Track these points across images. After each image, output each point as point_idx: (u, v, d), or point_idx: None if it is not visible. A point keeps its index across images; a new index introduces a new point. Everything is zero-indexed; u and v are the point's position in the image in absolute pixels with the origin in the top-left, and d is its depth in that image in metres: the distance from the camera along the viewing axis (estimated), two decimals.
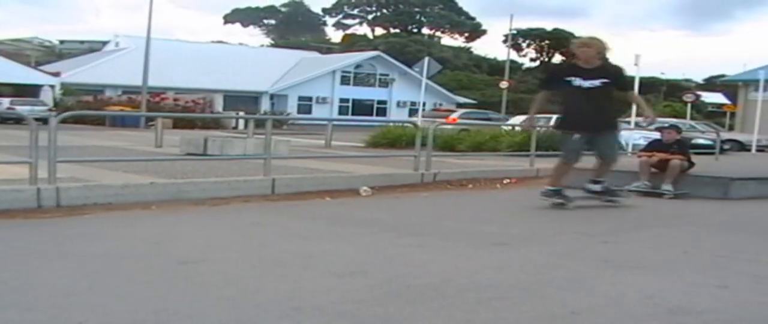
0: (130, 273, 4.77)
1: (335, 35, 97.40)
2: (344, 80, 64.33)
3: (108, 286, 4.43)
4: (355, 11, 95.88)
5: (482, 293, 4.43)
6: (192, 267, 4.99)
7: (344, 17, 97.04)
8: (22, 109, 31.97)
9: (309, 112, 59.93)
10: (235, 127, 35.47)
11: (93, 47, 74.60)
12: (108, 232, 6.44)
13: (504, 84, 56.74)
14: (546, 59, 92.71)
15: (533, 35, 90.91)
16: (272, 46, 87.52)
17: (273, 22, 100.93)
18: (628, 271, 5.20)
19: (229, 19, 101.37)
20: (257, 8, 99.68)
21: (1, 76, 46.89)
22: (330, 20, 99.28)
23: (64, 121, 8.49)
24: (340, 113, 61.55)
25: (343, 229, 6.90)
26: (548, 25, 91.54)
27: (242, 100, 53.38)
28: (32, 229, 6.53)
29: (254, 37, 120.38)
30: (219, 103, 48.28)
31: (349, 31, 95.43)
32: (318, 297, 4.24)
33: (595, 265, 5.39)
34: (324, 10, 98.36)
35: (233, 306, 4.04)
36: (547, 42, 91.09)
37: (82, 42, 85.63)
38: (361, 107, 62.94)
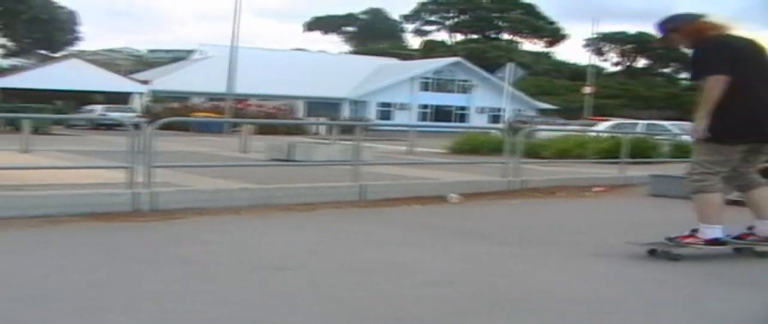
0: (227, 279, 4.76)
1: (414, 42, 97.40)
2: (424, 86, 64.23)
3: (206, 292, 4.42)
4: (434, 17, 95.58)
5: (588, 306, 4.30)
6: (289, 274, 4.97)
7: (423, 24, 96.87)
8: (114, 116, 32.92)
9: (389, 118, 59.96)
10: (317, 133, 35.71)
11: (179, 56, 76.07)
12: (203, 237, 6.48)
13: (587, 89, 55.87)
14: (629, 64, 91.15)
15: (616, 39, 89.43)
16: (352, 53, 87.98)
17: (352, 29, 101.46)
18: (744, 288, 4.98)
19: (309, 27, 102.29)
20: (337, 16, 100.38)
21: (94, 85, 48.31)
22: (409, 27, 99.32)
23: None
24: (419, 119, 61.40)
25: (434, 238, 6.82)
26: (631, 29, 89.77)
27: (323, 107, 53.77)
28: (129, 233, 6.61)
29: (334, 44, 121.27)
30: (300, 110, 48.73)
31: (427, 38, 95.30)
32: (418, 307, 4.16)
33: (704, 279, 5.18)
34: (403, 16, 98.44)
35: (334, 315, 4.01)
36: (630, 46, 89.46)
37: (168, 51, 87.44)
38: (440, 113, 62.77)
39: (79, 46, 46.33)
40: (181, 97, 51.78)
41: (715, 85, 5.41)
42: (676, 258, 5.63)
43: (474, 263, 5.55)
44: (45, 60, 50.28)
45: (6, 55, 43.22)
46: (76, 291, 4.35)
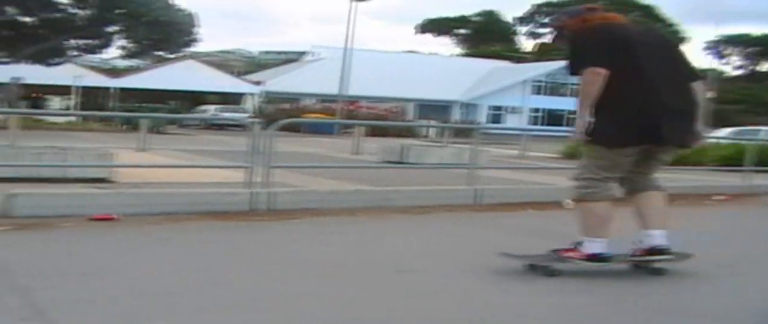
0: (348, 280, 4.76)
1: (527, 44, 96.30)
2: (536, 90, 63.51)
3: (329, 292, 4.42)
4: (548, 19, 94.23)
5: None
6: (409, 276, 4.94)
7: (537, 26, 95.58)
8: (229, 116, 33.75)
9: (499, 121, 59.58)
10: (427, 136, 35.69)
11: (290, 58, 77.36)
12: (320, 237, 6.50)
13: (708, 94, 54.17)
14: (753, 67, 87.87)
15: (739, 41, 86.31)
16: (464, 55, 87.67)
17: (465, 31, 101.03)
18: None
19: (421, 29, 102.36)
20: (449, 18, 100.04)
21: (208, 85, 49.58)
22: (522, 29, 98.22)
23: (265, 127, 8.71)
24: (530, 123, 60.78)
25: (554, 244, 6.65)
26: (756, 30, 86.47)
27: (433, 109, 53.80)
28: (248, 233, 6.68)
29: (446, 46, 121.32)
30: (411, 112, 48.85)
31: (541, 40, 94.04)
32: (548, 316, 4.06)
33: None
34: (516, 19, 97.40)
35: (457, 320, 3.95)
36: (754, 48, 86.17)
37: (280, 53, 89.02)
38: (552, 117, 61.93)
39: (196, 48, 47.66)
40: (293, 98, 52.61)
41: (591, 80, 4.71)
42: (553, 273, 4.98)
43: (598, 272, 5.36)
44: (161, 61, 51.90)
45: (125, 56, 44.78)
46: (198, 288, 4.40)
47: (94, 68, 51.08)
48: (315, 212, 7.78)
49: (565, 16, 5.23)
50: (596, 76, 4.69)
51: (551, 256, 5.15)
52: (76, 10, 35.60)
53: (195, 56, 55.66)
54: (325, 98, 49.81)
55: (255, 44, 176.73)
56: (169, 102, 50.00)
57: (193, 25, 40.01)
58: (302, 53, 73.66)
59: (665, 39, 5.18)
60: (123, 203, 7.25)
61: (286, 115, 40.47)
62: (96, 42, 38.89)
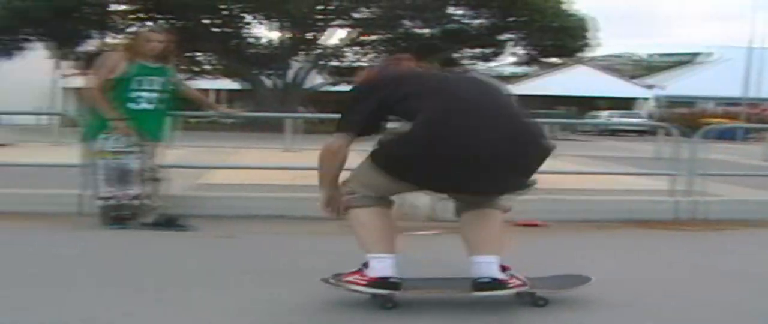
0: None
1: None
2: None
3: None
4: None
5: None
6: None
7: None
8: (625, 122, 33.52)
9: None
10: None
11: (681, 60, 74.32)
12: (746, 249, 6.19)
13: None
14: None
15: None
16: None
17: None
18: None
19: None
20: None
21: (598, 90, 49.34)
22: None
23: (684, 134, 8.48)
24: None
25: None
26: None
27: None
28: (675, 242, 6.57)
29: None
30: None
31: None
32: None
33: None
34: None
35: None
36: None
37: (671, 55, 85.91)
38: None
39: (589, 53, 47.36)
40: (687, 101, 50.49)
41: (328, 153, 3.93)
42: (393, 305, 3.89)
43: None
44: (551, 67, 52.51)
45: (518, 64, 45.80)
46: (653, 299, 4.40)
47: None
48: (745, 223, 7.39)
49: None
50: (331, 152, 3.93)
51: (332, 282, 4.04)
52: (471, 21, 37.17)
53: (583, 61, 55.34)
54: (726, 101, 47.01)
55: (642, 46, 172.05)
56: (558, 108, 50.42)
57: (586, 30, 39.84)
58: (695, 54, 70.34)
59: (488, 81, 4.21)
60: (545, 209, 7.42)
61: (681, 119, 39.03)
62: (489, 50, 40.26)
